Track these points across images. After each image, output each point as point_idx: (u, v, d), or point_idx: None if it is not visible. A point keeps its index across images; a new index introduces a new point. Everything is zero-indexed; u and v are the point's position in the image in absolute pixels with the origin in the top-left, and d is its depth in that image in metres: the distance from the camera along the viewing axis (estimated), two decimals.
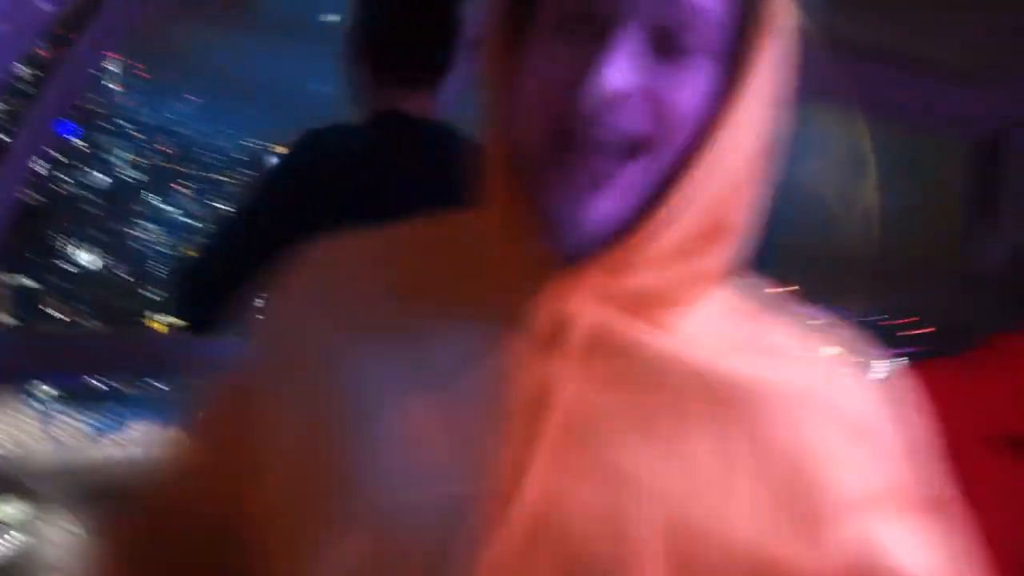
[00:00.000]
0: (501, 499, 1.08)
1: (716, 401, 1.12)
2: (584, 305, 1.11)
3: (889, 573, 1.13)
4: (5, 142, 3.40)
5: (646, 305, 1.14)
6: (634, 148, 1.06)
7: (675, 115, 1.06)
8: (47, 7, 1.64)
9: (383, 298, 1.20)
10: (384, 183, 2.83)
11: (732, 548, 1.08)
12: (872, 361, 1.30)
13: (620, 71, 1.02)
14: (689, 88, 1.07)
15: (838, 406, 1.19)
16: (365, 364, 1.16)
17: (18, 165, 3.49)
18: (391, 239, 1.30)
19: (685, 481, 1.09)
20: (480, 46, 1.18)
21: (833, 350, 1.26)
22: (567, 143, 1.05)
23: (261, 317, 1.35)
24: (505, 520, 1.08)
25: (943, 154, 4.59)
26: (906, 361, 4.32)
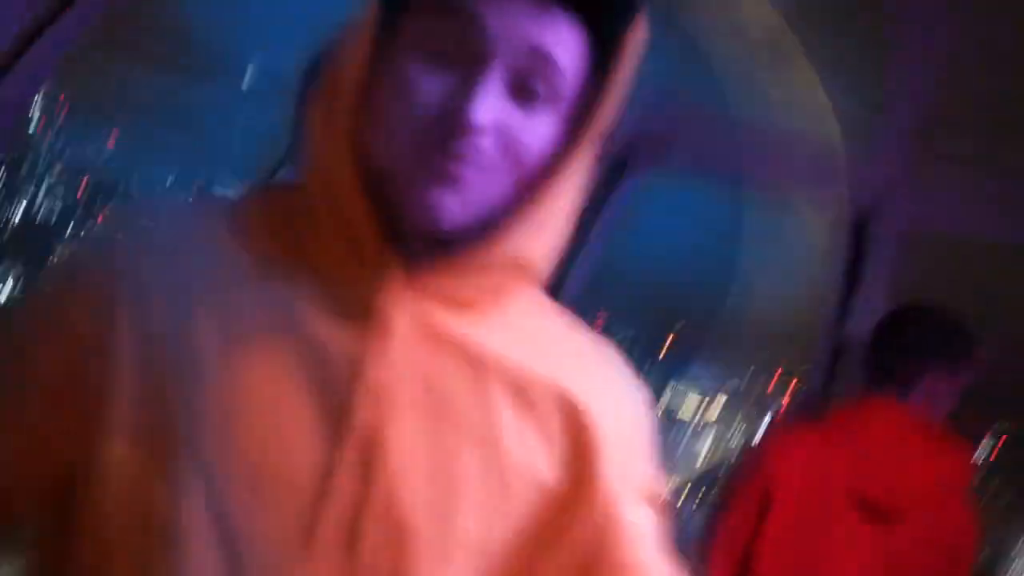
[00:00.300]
0: (317, 470, 1.18)
1: (489, 381, 1.28)
2: (407, 298, 1.22)
3: (621, 549, 1.34)
4: None
5: (460, 304, 1.27)
6: (479, 166, 1.16)
7: (517, 152, 1.19)
8: None
9: (224, 285, 1.25)
10: None
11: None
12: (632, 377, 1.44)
13: (485, 108, 1.13)
14: (536, 131, 1.19)
15: (613, 381, 1.42)
16: (205, 329, 1.21)
17: None
18: (203, 215, 1.35)
19: (484, 451, 1.25)
20: (336, 55, 1.24)
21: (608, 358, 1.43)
22: (435, 145, 1.15)
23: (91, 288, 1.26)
24: (336, 506, 1.19)
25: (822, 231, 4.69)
26: (779, 416, 4.46)
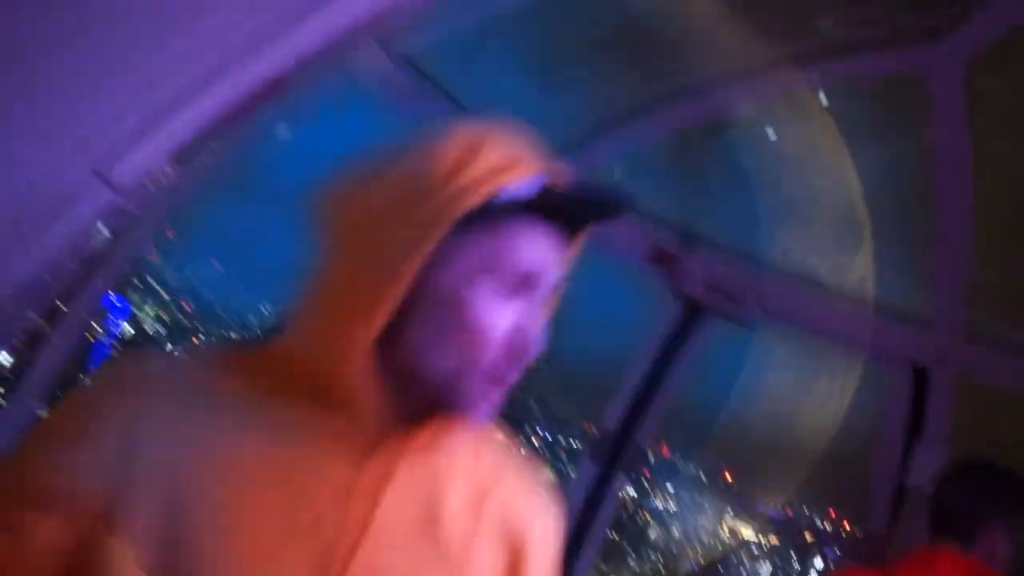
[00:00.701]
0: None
1: (467, 491, 1.50)
2: (398, 444, 1.40)
3: None
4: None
5: (433, 458, 1.45)
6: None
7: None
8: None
9: (226, 423, 1.34)
10: None
11: None
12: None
13: (535, 322, 1.40)
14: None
15: (541, 502, 1.64)
16: (217, 476, 1.29)
17: (73, 328, 3.59)
18: (212, 372, 1.41)
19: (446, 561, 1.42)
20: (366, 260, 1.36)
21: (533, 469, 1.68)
22: (496, 367, 1.37)
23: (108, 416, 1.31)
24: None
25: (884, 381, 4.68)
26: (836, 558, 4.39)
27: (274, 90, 1.85)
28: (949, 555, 3.06)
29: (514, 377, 1.39)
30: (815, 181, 4.26)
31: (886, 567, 3.15)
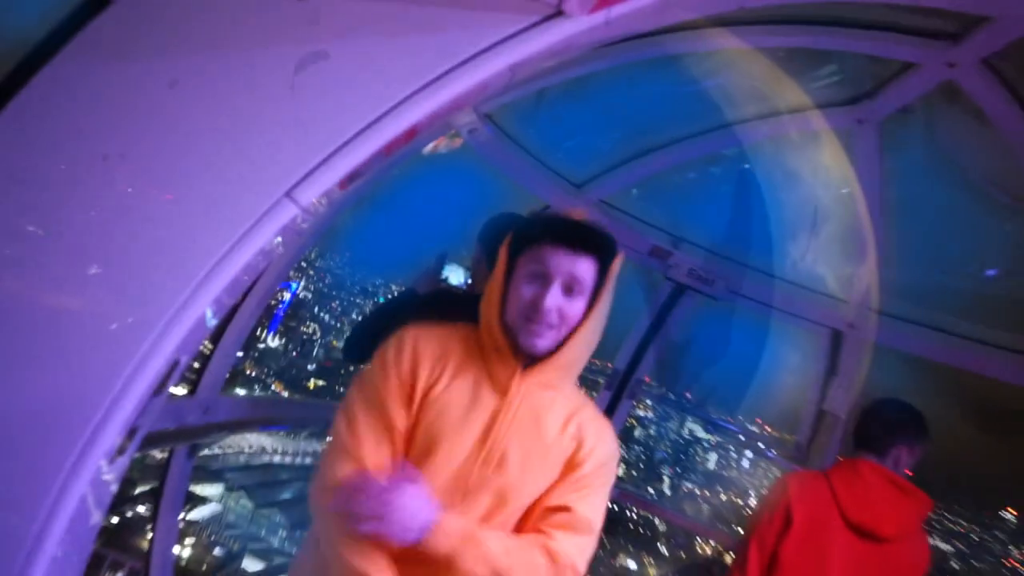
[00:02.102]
0: (470, 470, 1.81)
1: (559, 417, 1.92)
2: (522, 380, 1.87)
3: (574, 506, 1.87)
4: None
5: (546, 383, 1.91)
6: (551, 325, 1.84)
7: (567, 317, 1.85)
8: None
9: (453, 361, 1.90)
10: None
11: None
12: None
13: (553, 299, 1.82)
14: (576, 307, 1.85)
15: (601, 435, 1.97)
16: (442, 388, 1.86)
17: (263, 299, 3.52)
18: (452, 333, 1.95)
19: (541, 456, 1.87)
20: (494, 275, 1.92)
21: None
22: (530, 319, 1.83)
23: (409, 352, 1.89)
24: (474, 477, 1.81)
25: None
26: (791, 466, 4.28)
27: (407, 137, 1.82)
28: (869, 463, 3.01)
29: (536, 326, 1.82)
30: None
31: (824, 472, 3.05)
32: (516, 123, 3.95)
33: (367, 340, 3.10)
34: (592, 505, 1.88)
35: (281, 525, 41.05)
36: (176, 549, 3.44)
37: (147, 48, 1.70)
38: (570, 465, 1.88)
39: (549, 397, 1.89)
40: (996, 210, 3.76)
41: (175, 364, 1.71)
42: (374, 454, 1.78)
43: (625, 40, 3.10)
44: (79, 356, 1.58)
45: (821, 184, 3.94)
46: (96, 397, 1.58)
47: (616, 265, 1.86)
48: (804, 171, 3.87)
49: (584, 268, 1.81)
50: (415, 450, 1.81)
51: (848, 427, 4.44)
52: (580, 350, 1.88)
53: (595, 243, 1.83)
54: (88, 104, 1.63)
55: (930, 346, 4.35)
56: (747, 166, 4.03)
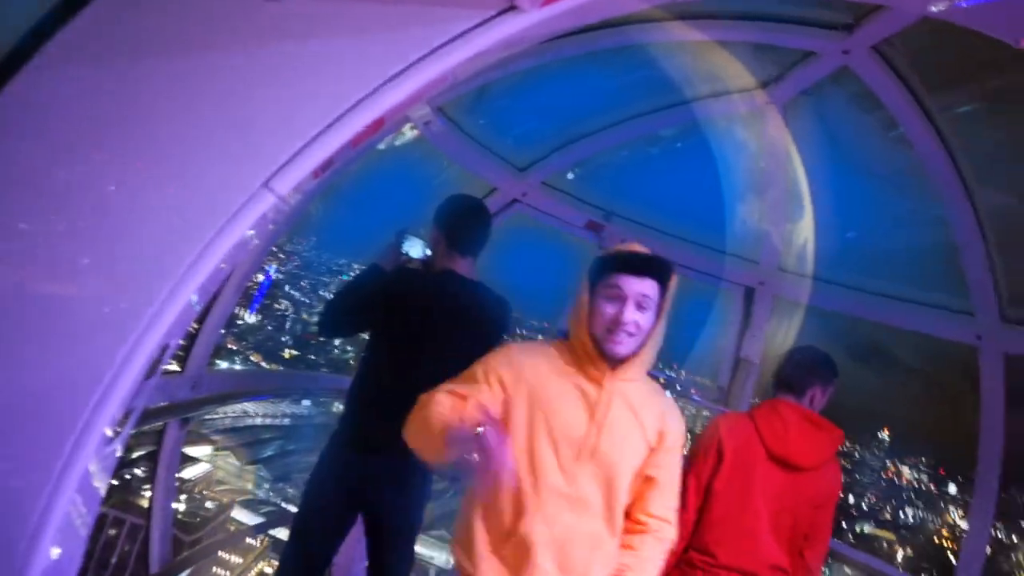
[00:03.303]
0: (585, 441, 2.02)
1: (642, 403, 2.11)
2: (611, 377, 2.07)
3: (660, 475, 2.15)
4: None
5: (630, 378, 2.09)
6: (629, 335, 2.02)
7: (642, 327, 2.03)
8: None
9: (549, 367, 2.08)
10: (434, 304, 2.94)
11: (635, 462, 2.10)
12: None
13: (630, 314, 2.00)
14: (646, 319, 2.03)
15: (672, 413, 2.18)
16: (549, 388, 2.04)
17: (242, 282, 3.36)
18: (543, 349, 2.14)
19: (631, 431, 2.08)
20: (580, 298, 2.09)
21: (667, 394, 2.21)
22: (612, 331, 2.02)
23: (506, 364, 2.07)
24: (587, 447, 2.02)
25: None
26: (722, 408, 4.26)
27: (374, 128, 1.71)
28: (787, 403, 2.99)
29: (618, 336, 2.00)
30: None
31: (749, 412, 3.03)
32: (465, 114, 3.84)
33: (338, 315, 3.01)
34: (673, 471, 2.20)
35: (266, 479, 40.73)
36: (173, 505, 3.32)
37: (123, 49, 1.56)
38: (658, 441, 2.13)
39: (632, 387, 2.12)
40: (876, 180, 3.83)
41: (165, 348, 1.59)
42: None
43: (566, 35, 3.02)
44: (75, 343, 1.46)
45: (736, 161, 3.92)
46: (91, 382, 1.46)
47: (673, 283, 2.08)
48: (722, 149, 3.84)
49: (649, 288, 2.02)
50: (533, 433, 2.03)
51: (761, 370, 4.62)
52: (653, 351, 2.12)
53: (656, 268, 2.05)
54: (71, 103, 1.50)
55: (823, 297, 4.39)
56: (675, 146, 4.00)
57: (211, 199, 1.52)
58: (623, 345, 2.03)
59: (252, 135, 1.56)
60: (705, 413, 4.80)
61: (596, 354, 2.06)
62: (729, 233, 4.41)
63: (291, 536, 3.05)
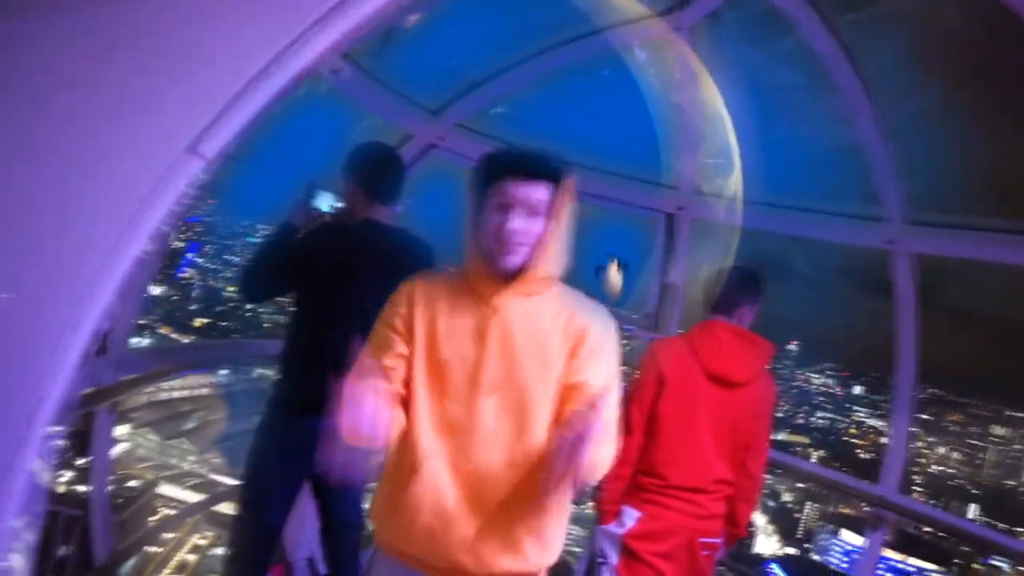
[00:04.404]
0: (477, 369, 1.85)
1: (551, 314, 1.90)
2: (504, 292, 1.87)
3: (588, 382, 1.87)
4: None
5: (528, 292, 1.89)
6: (520, 244, 1.82)
7: (531, 235, 1.82)
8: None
9: (445, 295, 1.90)
10: (360, 254, 2.93)
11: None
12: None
13: (515, 222, 1.80)
14: (537, 226, 1.82)
15: (592, 312, 1.95)
16: (440, 319, 1.88)
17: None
18: (444, 276, 1.97)
19: (538, 347, 1.87)
20: (469, 212, 1.89)
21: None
22: (499, 241, 1.81)
23: (405, 295, 1.92)
24: (481, 376, 1.85)
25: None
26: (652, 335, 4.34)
27: (295, 83, 1.66)
28: (719, 323, 3.10)
29: (506, 247, 1.80)
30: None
31: (685, 335, 3.13)
32: (373, 60, 3.72)
33: (259, 278, 2.96)
34: (602, 372, 1.90)
35: (190, 452, 39.85)
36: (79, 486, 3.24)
37: (32, 17, 1.44)
38: (574, 346, 1.88)
39: (536, 300, 1.90)
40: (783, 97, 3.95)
41: (100, 333, 1.52)
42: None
43: None
44: (8, 338, 1.37)
45: (647, 89, 3.94)
46: (29, 378, 1.38)
47: (568, 184, 1.84)
48: (632, 79, 3.85)
49: (541, 191, 1.80)
50: (429, 371, 1.88)
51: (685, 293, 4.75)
52: (549, 261, 1.87)
53: (545, 169, 1.82)
54: None
55: (742, 216, 4.43)
56: (588, 79, 3.99)
57: (135, 168, 1.44)
58: (513, 254, 1.81)
59: (171, 98, 1.47)
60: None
61: (487, 272, 1.86)
62: (647, 162, 4.44)
63: (241, 510, 3.01)
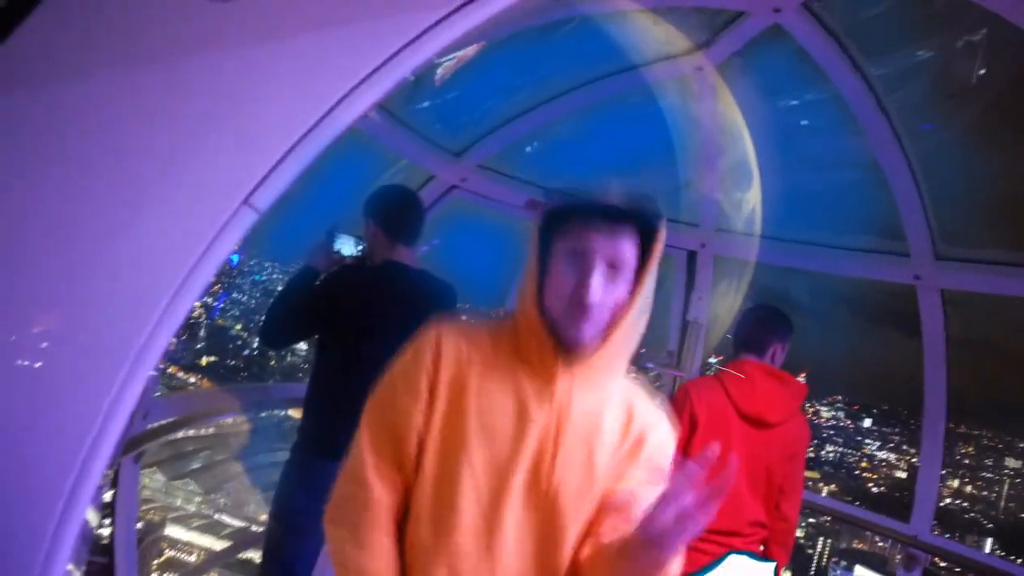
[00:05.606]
0: (512, 470, 1.41)
1: (613, 415, 1.49)
2: (567, 372, 1.44)
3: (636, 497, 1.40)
4: None
5: (597, 377, 1.47)
6: (600, 310, 1.38)
7: (610, 300, 1.38)
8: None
9: (481, 354, 1.47)
10: (382, 296, 2.90)
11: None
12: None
13: (597, 287, 1.36)
14: (620, 290, 1.39)
15: (655, 423, 1.54)
16: (472, 382, 1.44)
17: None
18: (480, 328, 1.54)
19: (590, 453, 1.46)
20: (529, 260, 1.44)
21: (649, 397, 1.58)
22: (578, 304, 1.37)
23: (433, 343, 1.48)
24: (517, 481, 1.41)
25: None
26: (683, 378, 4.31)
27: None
28: (751, 362, 3.07)
29: (581, 312, 1.38)
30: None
31: (716, 375, 3.12)
32: (401, 104, 3.77)
33: (281, 323, 2.94)
34: (654, 486, 1.46)
35: (196, 492, 39.62)
36: (101, 529, 3.21)
37: (71, 63, 1.46)
38: (631, 451, 1.50)
39: (602, 392, 1.50)
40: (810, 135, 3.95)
41: (152, 377, 1.53)
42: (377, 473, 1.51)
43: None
44: (67, 381, 1.38)
45: (674, 126, 3.96)
46: (86, 422, 1.38)
47: (661, 239, 1.42)
48: (660, 116, 3.88)
49: (626, 246, 1.38)
50: (442, 454, 1.45)
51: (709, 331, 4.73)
52: (631, 338, 1.45)
53: (637, 216, 1.39)
54: (27, 129, 1.40)
55: (765, 253, 4.46)
56: (610, 116, 4.01)
57: (191, 221, 1.45)
58: (589, 324, 1.38)
59: (224, 150, 1.49)
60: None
61: (546, 339, 1.42)
62: (667, 199, 4.45)
63: (267, 558, 2.98)
